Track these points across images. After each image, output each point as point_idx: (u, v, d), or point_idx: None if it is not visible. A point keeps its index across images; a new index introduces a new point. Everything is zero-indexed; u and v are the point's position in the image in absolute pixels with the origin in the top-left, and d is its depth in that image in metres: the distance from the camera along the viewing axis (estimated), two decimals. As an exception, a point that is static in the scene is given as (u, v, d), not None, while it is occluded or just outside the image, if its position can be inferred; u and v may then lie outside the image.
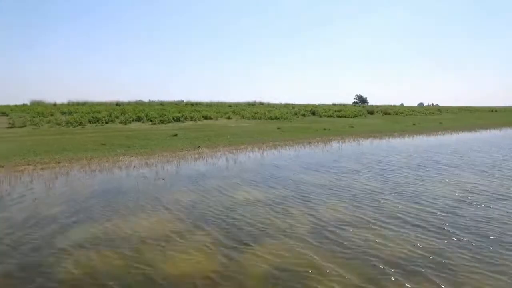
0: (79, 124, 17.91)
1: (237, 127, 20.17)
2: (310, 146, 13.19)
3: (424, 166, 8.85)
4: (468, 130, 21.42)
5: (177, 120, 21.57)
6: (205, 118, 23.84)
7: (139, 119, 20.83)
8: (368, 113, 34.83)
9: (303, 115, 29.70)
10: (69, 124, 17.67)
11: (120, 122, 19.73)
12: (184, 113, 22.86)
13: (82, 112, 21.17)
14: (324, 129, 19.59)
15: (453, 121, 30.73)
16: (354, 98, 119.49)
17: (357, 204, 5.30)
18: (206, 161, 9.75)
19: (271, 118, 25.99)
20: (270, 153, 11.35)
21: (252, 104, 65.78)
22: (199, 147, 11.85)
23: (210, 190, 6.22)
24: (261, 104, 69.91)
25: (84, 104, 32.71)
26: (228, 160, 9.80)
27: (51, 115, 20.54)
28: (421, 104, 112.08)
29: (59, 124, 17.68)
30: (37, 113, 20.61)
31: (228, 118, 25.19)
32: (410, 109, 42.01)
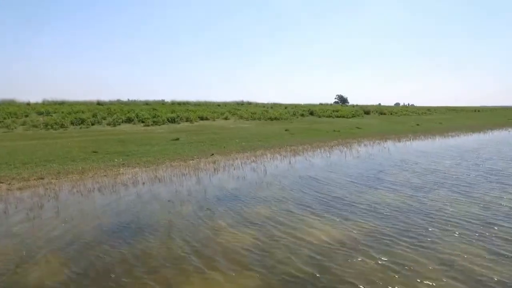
0: (61, 127, 15.50)
1: (238, 128, 18.44)
2: (332, 151, 11.74)
3: (501, 171, 7.62)
4: (478, 130, 20.87)
5: (172, 121, 19.51)
6: (201, 118, 21.91)
7: (129, 120, 18.58)
8: (365, 113, 34.12)
9: (302, 115, 28.39)
10: (49, 127, 15.22)
11: (108, 124, 17.44)
12: (178, 114, 20.79)
13: (62, 113, 18.60)
14: (334, 130, 18.28)
15: (450, 121, 30.55)
16: (335, 98, 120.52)
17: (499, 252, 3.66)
18: (229, 173, 8.02)
19: (270, 119, 24.44)
20: (296, 160, 9.77)
21: (240, 104, 63.99)
22: (213, 154, 10.07)
23: (263, 226, 4.51)
24: (249, 103, 68.30)
25: (62, 103, 29.51)
26: (256, 172, 8.12)
27: (26, 115, 17.85)
28: (397, 104, 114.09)
29: (36, 126, 15.19)
30: (9, 113, 17.84)
31: (226, 118, 23.38)
32: (404, 109, 41.92)
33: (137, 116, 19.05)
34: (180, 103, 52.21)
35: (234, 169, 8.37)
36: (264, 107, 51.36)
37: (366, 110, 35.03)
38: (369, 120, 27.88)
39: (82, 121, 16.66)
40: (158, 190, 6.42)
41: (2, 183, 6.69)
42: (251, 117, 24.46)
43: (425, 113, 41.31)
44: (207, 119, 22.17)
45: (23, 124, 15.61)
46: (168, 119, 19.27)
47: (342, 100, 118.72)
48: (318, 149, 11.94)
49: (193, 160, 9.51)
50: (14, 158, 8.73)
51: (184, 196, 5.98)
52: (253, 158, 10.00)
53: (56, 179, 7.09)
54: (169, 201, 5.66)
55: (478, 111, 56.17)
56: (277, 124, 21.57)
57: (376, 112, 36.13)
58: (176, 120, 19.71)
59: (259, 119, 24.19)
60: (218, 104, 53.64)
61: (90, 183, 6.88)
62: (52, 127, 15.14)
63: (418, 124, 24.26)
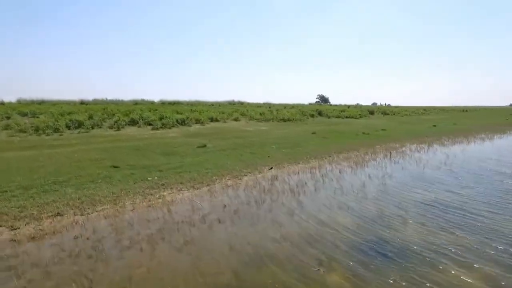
0: (54, 131, 12.69)
1: (259, 131, 16.34)
2: (395, 158, 9.97)
3: None
4: (495, 131, 19.97)
5: (182, 123, 17.05)
6: (211, 120, 19.54)
7: (133, 123, 15.94)
8: (369, 113, 33.01)
9: (312, 115, 26.66)
10: (40, 131, 12.39)
11: (111, 127, 14.75)
12: (187, 115, 18.33)
13: (52, 114, 15.63)
14: (363, 133, 16.60)
15: (457, 121, 29.92)
16: (316, 98, 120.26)
17: None
18: (316, 195, 5.97)
19: (283, 120, 22.50)
20: (373, 174, 7.86)
21: (232, 104, 61.85)
22: (271, 168, 7.93)
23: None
24: (241, 103, 66.33)
25: (41, 102, 25.89)
26: (349, 194, 6.11)
27: (7, 117, 14.76)
28: (374, 104, 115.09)
29: (23, 131, 12.30)
30: (-15, 115, 14.70)
31: (236, 120, 21.16)
32: (402, 109, 41.38)
33: (141, 117, 16.42)
34: (171, 103, 49.32)
35: (317, 190, 6.33)
36: (260, 107, 49.42)
37: (370, 110, 33.93)
38: (380, 121, 26.61)
39: (80, 124, 13.88)
40: (245, 234, 4.27)
41: (0, 226, 4.27)
42: (263, 118, 22.38)
43: (423, 113, 40.99)
44: (217, 120, 19.85)
45: (6, 128, 12.64)
46: (177, 121, 16.79)
47: (324, 100, 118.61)
48: (376, 156, 10.12)
49: (246, 175, 7.36)
50: (7, 180, 6.19)
51: (318, 248, 3.87)
52: (315, 170, 8.00)
53: (82, 215, 4.74)
54: (314, 268, 3.53)
55: (466, 111, 57.20)
56: (295, 126, 19.66)
57: (380, 112, 35.16)
58: (186, 122, 17.26)
59: (272, 120, 22.17)
60: (212, 104, 51.16)
61: (136, 220, 4.60)
62: (44, 132, 12.32)
63: (435, 125, 23.19)
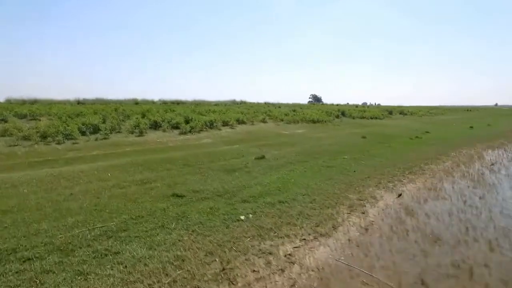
0: (66, 138, 10.12)
1: (300, 136, 14.10)
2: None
3: None
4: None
5: (210, 126, 14.63)
6: (239, 122, 17.15)
7: (155, 126, 13.42)
8: (389, 113, 31.15)
9: (337, 116, 24.53)
10: (49, 139, 9.80)
11: (131, 132, 12.22)
12: (214, 117, 15.91)
13: (59, 116, 12.99)
14: (416, 136, 14.53)
15: (484, 121, 28.26)
16: (309, 98, 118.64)
17: None
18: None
19: (312, 121, 20.29)
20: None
21: (236, 103, 59.44)
22: (400, 194, 5.66)
23: None
24: (243, 102, 64.00)
25: (34, 102, 22.85)
26: None
27: (3, 120, 12.06)
28: (364, 104, 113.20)
29: (27, 138, 9.68)
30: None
31: (264, 121, 18.82)
32: (417, 109, 39.70)
33: (163, 119, 13.93)
34: (174, 102, 46.66)
35: None
36: (269, 106, 47.17)
37: (389, 111, 32.08)
38: (410, 122, 24.70)
39: (95, 129, 11.32)
40: None
41: None
42: (290, 119, 20.10)
43: (437, 113, 39.42)
44: (243, 122, 17.46)
45: (4, 133, 10.00)
46: (206, 124, 14.36)
47: (317, 99, 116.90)
48: (489, 166, 7.98)
49: (364, 205, 5.10)
50: (28, 234, 3.75)
51: None
52: (450, 192, 5.78)
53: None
54: None
55: (470, 110, 56.28)
56: (332, 129, 17.47)
57: (398, 112, 33.34)
58: (214, 124, 14.84)
59: (300, 121, 19.92)
60: (216, 104, 48.71)
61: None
62: (54, 139, 9.74)
63: (471, 127, 21.36)
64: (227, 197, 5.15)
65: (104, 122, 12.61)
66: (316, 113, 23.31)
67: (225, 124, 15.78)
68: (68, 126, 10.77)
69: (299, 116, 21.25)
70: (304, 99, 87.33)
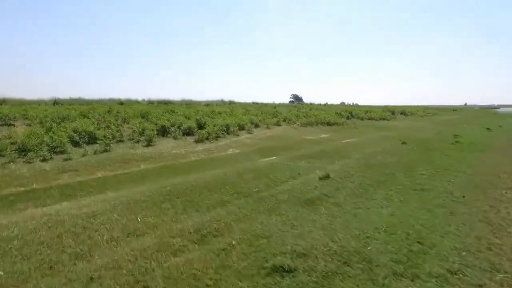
0: (54, 151, 7.47)
1: (332, 142, 12.18)
2: None
3: None
4: None
5: (226, 131, 12.32)
6: (254, 125, 14.95)
7: (163, 132, 10.93)
8: (392, 114, 30.12)
9: (348, 118, 22.92)
10: (30, 153, 7.12)
11: (135, 140, 9.69)
12: (226, 120, 13.61)
13: (42, 121, 10.19)
14: (457, 142, 13.03)
15: (479, 121, 27.77)
16: (290, 97, 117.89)
17: None
18: None
19: (328, 124, 18.48)
20: None
21: (226, 103, 56.87)
22: None
23: None
24: (233, 102, 61.59)
25: (2, 102, 19.25)
26: None
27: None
28: (342, 103, 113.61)
29: (1, 153, 6.95)
30: None
31: (278, 124, 16.72)
32: (414, 109, 39.18)
33: (172, 123, 11.46)
34: (163, 102, 43.73)
35: None
36: (266, 106, 45.12)
37: (391, 111, 31.08)
38: (421, 123, 23.57)
39: (91, 138, 8.71)
40: None
41: None
42: (304, 121, 18.15)
43: (435, 113, 39.16)
44: (257, 125, 15.28)
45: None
46: (222, 130, 12.03)
47: (297, 99, 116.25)
48: None
49: None
50: None
51: None
52: None
53: None
54: None
55: (455, 110, 57.32)
56: (358, 133, 15.68)
57: (399, 113, 32.43)
58: (230, 129, 12.55)
59: (315, 124, 18.02)
60: (207, 104, 46.06)
61: None
62: (36, 154, 7.08)
63: (489, 128, 20.44)
64: (361, 266, 3.02)
65: (99, 128, 9.98)
66: (325, 114, 21.54)
67: (240, 128, 13.53)
68: (54, 134, 8.11)
69: (311, 117, 19.35)
70: (285, 99, 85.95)
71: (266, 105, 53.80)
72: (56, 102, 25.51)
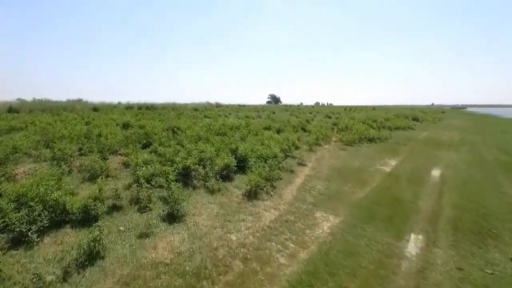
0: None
1: (411, 173, 8.38)
2: None
3: None
4: None
5: (278, 167, 8.11)
6: (295, 147, 10.80)
7: (185, 175, 6.53)
8: (413, 119, 27.22)
9: (379, 128, 19.36)
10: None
11: (147, 208, 5.26)
12: (269, 150, 9.39)
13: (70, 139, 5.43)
14: None
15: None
16: (268, 98, 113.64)
17: None
18: None
19: (369, 140, 14.73)
20: None
21: (214, 106, 52.41)
22: None
23: None
24: (219, 105, 57.15)
25: None
26: None
27: None
28: (317, 104, 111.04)
29: None
30: None
31: (317, 143, 12.67)
32: (429, 115, 36.51)
33: (198, 159, 7.06)
34: (147, 107, 38.58)
35: None
36: (263, 109, 41.15)
37: (413, 117, 28.18)
38: (455, 132, 20.55)
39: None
40: None
41: None
42: (346, 140, 14.26)
43: (437, 118, 36.95)
44: (297, 146, 11.16)
45: None
46: (261, 158, 7.78)
47: (275, 100, 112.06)
48: None
49: None
50: None
51: None
52: None
53: None
54: None
55: (444, 112, 56.44)
56: (429, 157, 12.00)
57: (411, 118, 29.54)
58: (277, 161, 8.32)
59: (358, 141, 14.19)
60: (195, 108, 41.43)
61: None
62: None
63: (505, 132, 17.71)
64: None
65: (59, 187, 5.40)
66: (361, 126, 17.82)
67: (286, 153, 9.36)
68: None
69: (351, 132, 15.48)
70: (262, 100, 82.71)
71: (257, 107, 49.79)
72: (10, 110, 19.89)
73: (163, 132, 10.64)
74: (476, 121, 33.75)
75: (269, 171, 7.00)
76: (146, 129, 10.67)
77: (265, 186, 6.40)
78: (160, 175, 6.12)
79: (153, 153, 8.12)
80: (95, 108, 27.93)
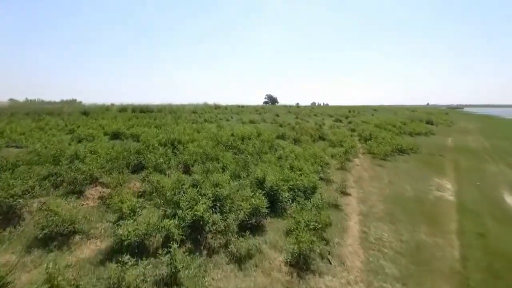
0: None
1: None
2: None
3: None
4: None
5: (312, 202, 5.89)
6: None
7: (196, 229, 4.31)
8: (429, 124, 25.29)
9: (411, 134, 17.28)
10: None
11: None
12: (311, 176, 7.16)
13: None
14: None
15: None
16: (265, 98, 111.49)
17: None
18: None
19: (399, 151, 12.61)
20: None
21: (215, 107, 50.08)
22: None
23: None
24: (218, 106, 54.85)
25: None
26: None
27: None
28: (313, 104, 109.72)
29: None
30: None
31: (347, 158, 10.49)
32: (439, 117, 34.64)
33: (209, 204, 4.82)
34: (143, 110, 35.82)
35: None
36: (264, 110, 38.82)
37: (428, 121, 26.28)
38: (475, 137, 18.59)
39: None
40: None
41: None
42: (378, 152, 12.10)
43: (449, 121, 35.12)
44: (327, 162, 8.98)
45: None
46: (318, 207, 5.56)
47: (272, 100, 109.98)
48: None
49: None
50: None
51: None
52: None
53: None
54: None
55: (447, 114, 54.94)
56: (487, 177, 9.92)
57: (425, 122, 27.63)
58: (310, 193, 6.11)
59: (391, 153, 12.04)
60: (194, 111, 38.96)
61: None
62: None
63: None
64: None
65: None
66: (387, 133, 15.68)
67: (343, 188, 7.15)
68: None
69: (381, 143, 13.26)
70: (258, 100, 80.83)
71: (257, 108, 47.56)
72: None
73: (160, 148, 8.36)
74: (484, 123, 32.08)
75: (315, 214, 4.78)
76: (140, 142, 8.31)
77: (317, 244, 4.16)
78: (158, 230, 3.87)
79: (146, 182, 5.85)
80: (85, 112, 25.36)
